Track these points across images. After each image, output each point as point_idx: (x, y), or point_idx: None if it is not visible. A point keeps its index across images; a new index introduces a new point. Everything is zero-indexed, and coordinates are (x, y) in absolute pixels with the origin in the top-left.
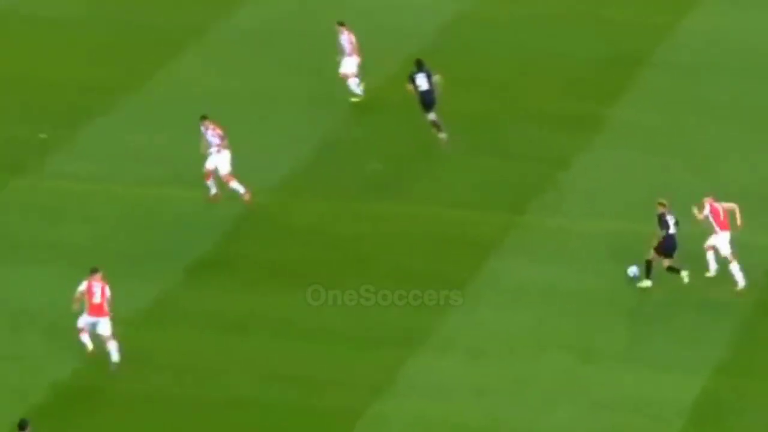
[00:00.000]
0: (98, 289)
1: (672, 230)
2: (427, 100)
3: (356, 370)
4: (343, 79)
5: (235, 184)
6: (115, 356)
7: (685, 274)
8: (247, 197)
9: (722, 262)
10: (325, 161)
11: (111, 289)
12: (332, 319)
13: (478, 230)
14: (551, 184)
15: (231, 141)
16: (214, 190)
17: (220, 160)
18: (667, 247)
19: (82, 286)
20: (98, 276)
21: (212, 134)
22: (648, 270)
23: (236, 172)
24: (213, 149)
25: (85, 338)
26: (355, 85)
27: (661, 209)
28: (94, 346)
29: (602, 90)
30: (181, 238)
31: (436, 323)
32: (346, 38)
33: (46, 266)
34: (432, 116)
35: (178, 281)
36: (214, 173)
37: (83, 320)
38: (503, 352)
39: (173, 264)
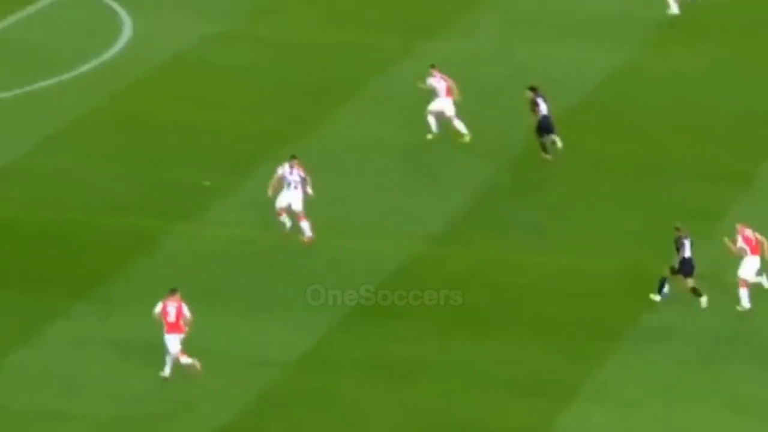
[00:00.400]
0: (173, 309)
1: (688, 253)
2: (546, 124)
3: (511, 417)
4: (448, 121)
5: (305, 224)
6: (168, 372)
7: (704, 300)
8: (307, 240)
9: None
10: (482, 208)
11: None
12: (486, 365)
13: (630, 280)
14: (704, 237)
15: (390, 189)
16: (288, 224)
17: (294, 197)
18: (686, 269)
19: (158, 308)
20: (176, 297)
21: (297, 173)
22: (661, 286)
23: (393, 220)
24: (291, 186)
25: (187, 360)
26: (460, 124)
27: (677, 233)
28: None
29: (755, 146)
30: (339, 284)
31: (591, 372)
32: (438, 80)
33: (211, 309)
34: (554, 137)
35: (337, 326)
36: (287, 210)
37: (169, 344)
38: (657, 404)
39: (332, 310)
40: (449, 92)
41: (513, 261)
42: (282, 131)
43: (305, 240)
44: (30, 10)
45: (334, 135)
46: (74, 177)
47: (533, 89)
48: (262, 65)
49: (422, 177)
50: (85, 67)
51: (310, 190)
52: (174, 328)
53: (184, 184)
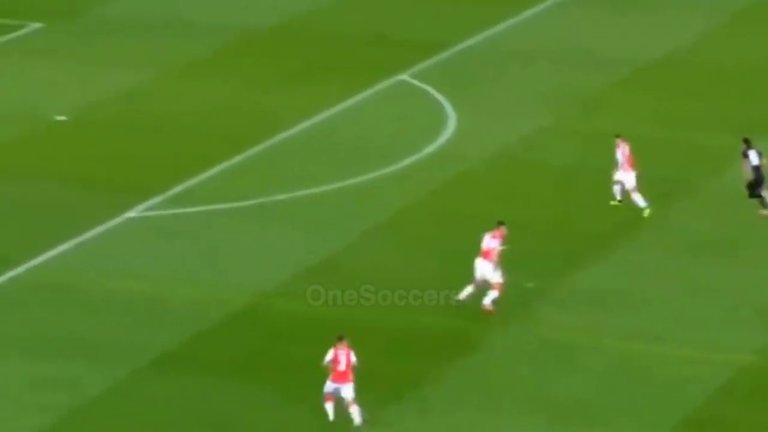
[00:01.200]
0: (344, 357)
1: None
2: (759, 176)
3: None
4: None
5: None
6: (357, 420)
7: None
8: (646, 212)
9: None
10: None
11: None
12: None
13: None
14: None
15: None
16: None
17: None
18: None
19: (329, 355)
20: (344, 344)
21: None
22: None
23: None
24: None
25: (330, 407)
26: (639, 198)
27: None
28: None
29: None
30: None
31: None
32: (622, 151)
33: (529, 417)
34: (764, 192)
35: None
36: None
37: (329, 387)
38: None
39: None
40: (631, 164)
41: None
42: (606, 232)
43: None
44: (353, 101)
45: (672, 235)
46: (392, 271)
47: (747, 141)
48: (587, 161)
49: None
50: (407, 160)
51: None
52: (342, 377)
53: (508, 284)
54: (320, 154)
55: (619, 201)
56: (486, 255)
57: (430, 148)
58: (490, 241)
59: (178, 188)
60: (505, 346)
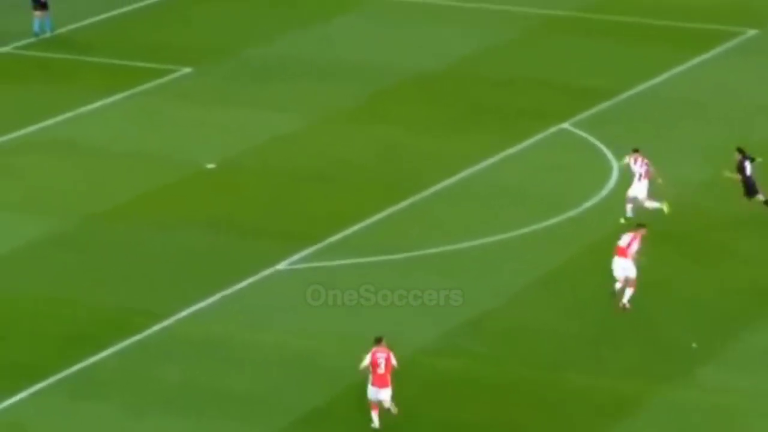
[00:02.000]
0: (383, 360)
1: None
2: (751, 185)
3: None
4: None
5: (650, 204)
6: (376, 423)
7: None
8: (666, 209)
9: None
10: None
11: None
12: None
13: None
14: None
15: None
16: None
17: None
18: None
19: (367, 359)
20: (383, 346)
21: (640, 164)
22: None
23: None
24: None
25: (375, 414)
26: (651, 205)
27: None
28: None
29: None
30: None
31: None
32: (640, 163)
33: None
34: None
35: None
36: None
37: (372, 393)
38: None
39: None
40: (647, 176)
41: None
42: None
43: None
44: (513, 150)
45: None
46: (544, 332)
47: (742, 151)
48: (754, 216)
49: None
50: (568, 213)
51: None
52: (381, 381)
53: (670, 344)
54: (479, 205)
55: (627, 219)
56: (622, 252)
57: (592, 201)
58: (629, 240)
59: (331, 238)
60: (666, 409)
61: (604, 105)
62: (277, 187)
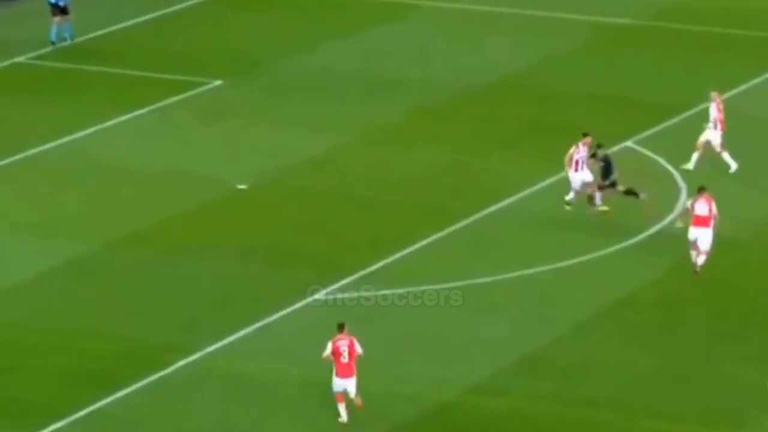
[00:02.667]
0: (345, 348)
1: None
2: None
3: None
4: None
5: (726, 156)
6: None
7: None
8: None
9: None
10: None
11: None
12: None
13: None
14: None
15: None
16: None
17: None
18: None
19: (328, 349)
20: (344, 334)
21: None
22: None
23: None
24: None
25: (342, 407)
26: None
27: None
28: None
29: None
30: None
31: None
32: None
33: None
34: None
35: None
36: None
37: (337, 384)
38: None
39: None
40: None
41: None
42: None
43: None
44: (561, 176)
45: None
46: (606, 369)
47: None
48: None
49: None
50: (631, 240)
51: None
52: (347, 370)
53: (743, 382)
54: (532, 230)
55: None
56: (705, 222)
57: (658, 226)
58: (706, 207)
59: (372, 266)
60: None
61: (672, 121)
62: (314, 211)
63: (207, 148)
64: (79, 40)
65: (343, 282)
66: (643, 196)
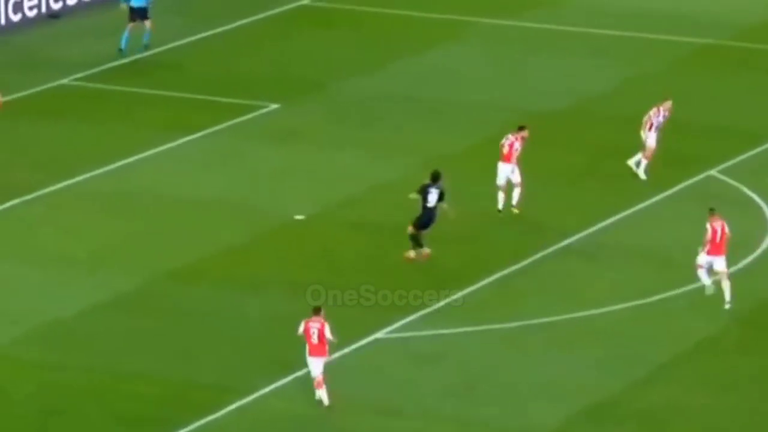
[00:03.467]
0: (316, 330)
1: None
2: (425, 218)
3: None
4: None
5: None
6: (325, 401)
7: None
8: None
9: None
10: None
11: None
12: None
13: None
14: None
15: None
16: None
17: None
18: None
19: (300, 329)
20: (319, 317)
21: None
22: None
23: None
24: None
25: (323, 393)
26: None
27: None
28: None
29: None
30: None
31: None
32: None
33: None
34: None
35: None
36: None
37: (312, 368)
38: None
39: None
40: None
41: None
42: None
43: None
44: (650, 201)
45: None
46: (689, 415)
47: (434, 177)
48: None
49: None
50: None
51: None
52: (317, 350)
53: None
54: (610, 265)
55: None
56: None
57: (744, 262)
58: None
59: (438, 303)
60: None
61: (760, 149)
62: (376, 244)
63: (262, 176)
64: (126, 60)
65: (406, 320)
66: (425, 251)
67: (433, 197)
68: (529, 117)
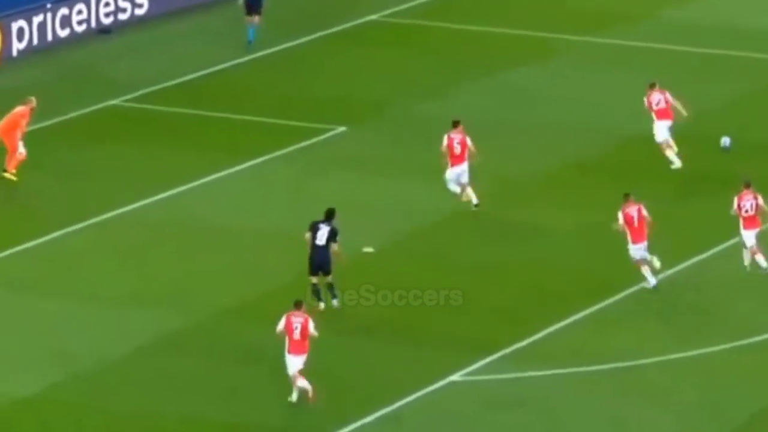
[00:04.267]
0: (298, 325)
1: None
2: (317, 258)
3: None
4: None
5: None
6: (295, 397)
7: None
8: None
9: None
10: None
11: None
12: None
13: None
14: None
15: None
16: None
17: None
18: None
19: (281, 324)
20: (300, 311)
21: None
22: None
23: None
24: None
25: (303, 383)
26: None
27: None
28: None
29: None
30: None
31: None
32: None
33: None
34: (316, 279)
35: None
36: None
37: (290, 365)
38: None
39: None
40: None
41: None
42: None
43: None
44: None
45: None
46: None
47: (328, 214)
48: None
49: None
50: None
51: None
52: (298, 347)
53: None
54: (700, 302)
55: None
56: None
57: None
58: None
59: (519, 344)
60: None
61: None
62: (452, 279)
63: (328, 204)
64: (181, 80)
65: (486, 361)
66: (321, 306)
67: (322, 234)
68: (613, 140)
